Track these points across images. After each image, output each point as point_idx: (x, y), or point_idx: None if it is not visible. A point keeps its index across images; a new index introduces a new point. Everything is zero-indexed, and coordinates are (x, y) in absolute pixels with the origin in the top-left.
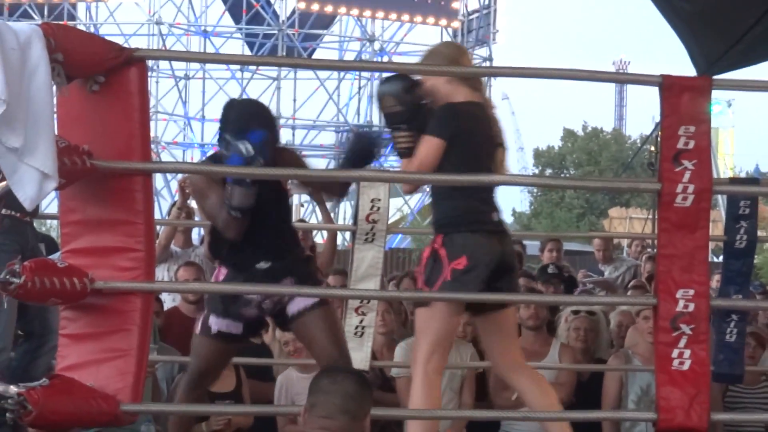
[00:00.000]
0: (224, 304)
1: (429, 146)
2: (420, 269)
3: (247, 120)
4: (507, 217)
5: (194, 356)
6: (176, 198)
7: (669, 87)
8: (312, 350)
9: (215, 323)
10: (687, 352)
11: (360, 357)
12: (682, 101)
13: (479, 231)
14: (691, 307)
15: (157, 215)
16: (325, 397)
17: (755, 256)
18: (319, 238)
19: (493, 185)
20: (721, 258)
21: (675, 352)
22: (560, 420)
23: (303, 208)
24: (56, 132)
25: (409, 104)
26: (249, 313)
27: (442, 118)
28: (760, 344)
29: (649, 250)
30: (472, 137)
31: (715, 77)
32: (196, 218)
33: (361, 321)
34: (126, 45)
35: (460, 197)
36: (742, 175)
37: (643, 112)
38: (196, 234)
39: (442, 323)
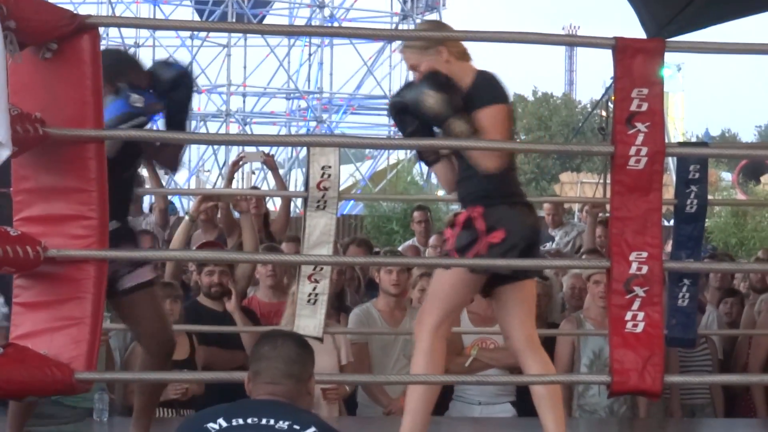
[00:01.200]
0: None
1: (496, 114)
2: (453, 233)
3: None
4: None
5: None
6: None
7: (622, 49)
8: (139, 327)
9: None
10: (641, 315)
11: (313, 324)
12: (635, 63)
13: (517, 204)
14: (645, 269)
15: None
16: (268, 363)
17: (707, 220)
18: (272, 205)
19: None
20: (672, 222)
21: (629, 315)
22: (513, 383)
23: (254, 175)
24: (8, 100)
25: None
26: None
27: (493, 85)
28: (699, 309)
29: (600, 215)
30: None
31: (669, 39)
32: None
33: (314, 288)
34: (75, 12)
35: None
36: (693, 139)
37: (593, 77)
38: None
39: (460, 292)
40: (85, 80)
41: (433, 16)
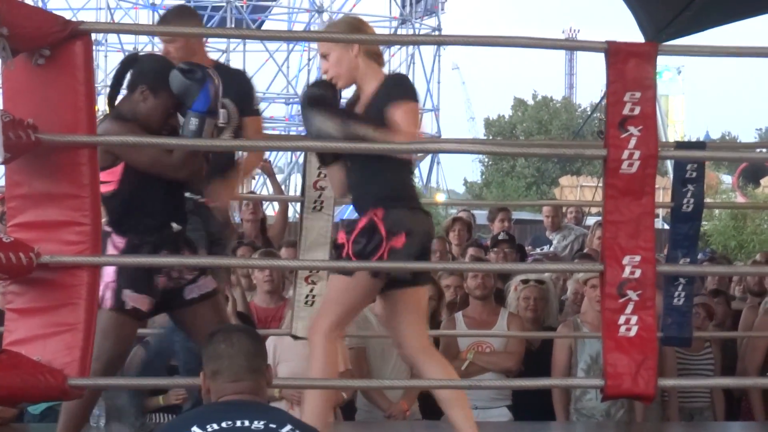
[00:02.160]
0: (138, 276)
1: (409, 111)
2: (351, 237)
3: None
4: (458, 187)
5: (106, 338)
6: None
7: (615, 53)
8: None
9: (131, 298)
10: (634, 318)
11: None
12: (628, 67)
13: (416, 208)
14: (638, 273)
15: None
16: (230, 361)
17: (705, 223)
18: (271, 210)
19: (441, 152)
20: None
21: (622, 319)
22: (499, 388)
23: (254, 180)
24: (1, 106)
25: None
26: (162, 284)
27: (408, 84)
28: (708, 315)
29: (589, 218)
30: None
31: (663, 43)
32: None
33: (311, 290)
34: (73, 19)
35: (398, 171)
36: None
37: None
38: None
39: (360, 297)
40: (78, 86)
41: (431, 21)
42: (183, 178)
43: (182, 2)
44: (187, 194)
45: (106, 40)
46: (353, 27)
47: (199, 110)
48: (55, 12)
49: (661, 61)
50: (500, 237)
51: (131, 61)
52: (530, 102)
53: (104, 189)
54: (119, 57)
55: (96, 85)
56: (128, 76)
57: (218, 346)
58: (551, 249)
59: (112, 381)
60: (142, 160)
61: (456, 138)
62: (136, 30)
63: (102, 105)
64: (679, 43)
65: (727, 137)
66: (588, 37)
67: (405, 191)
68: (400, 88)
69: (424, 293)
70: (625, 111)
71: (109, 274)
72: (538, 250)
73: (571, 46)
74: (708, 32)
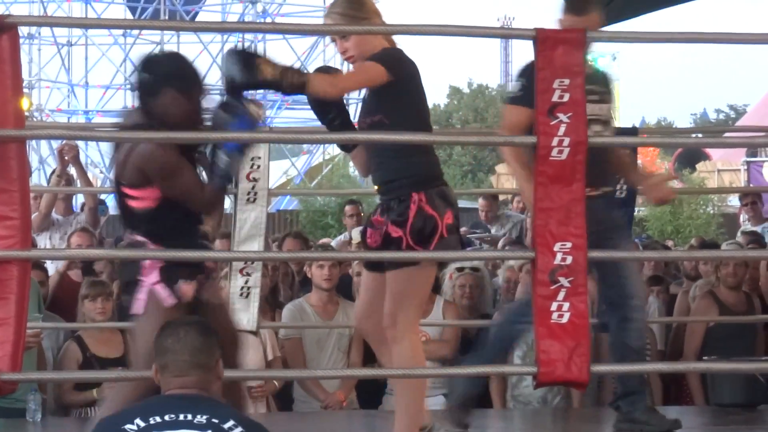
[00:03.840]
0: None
1: (361, 68)
2: (407, 228)
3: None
4: None
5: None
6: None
7: (543, 40)
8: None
9: (188, 288)
10: (566, 305)
11: (247, 318)
12: (557, 54)
13: (445, 183)
14: (569, 259)
15: (43, 182)
16: (174, 357)
17: (642, 209)
18: None
19: (367, 143)
20: None
21: (554, 305)
22: (442, 376)
23: None
24: None
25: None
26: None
27: (388, 54)
28: None
29: None
30: (420, 85)
31: (591, 31)
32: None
33: (246, 281)
34: (7, 12)
35: (427, 151)
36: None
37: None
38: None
39: (427, 284)
40: (5, 80)
41: None
42: (210, 212)
43: None
44: None
45: (39, 34)
46: (355, 3)
47: (230, 148)
48: None
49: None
50: None
51: (151, 63)
52: (466, 90)
53: (137, 205)
54: (53, 50)
55: (29, 79)
56: (147, 78)
57: (166, 340)
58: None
59: (45, 375)
60: (176, 191)
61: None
62: (64, 23)
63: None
64: (609, 30)
65: (663, 122)
66: (523, 25)
67: (438, 169)
68: (377, 54)
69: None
70: (554, 98)
71: (151, 276)
72: (477, 233)
73: (500, 33)
74: (642, 18)
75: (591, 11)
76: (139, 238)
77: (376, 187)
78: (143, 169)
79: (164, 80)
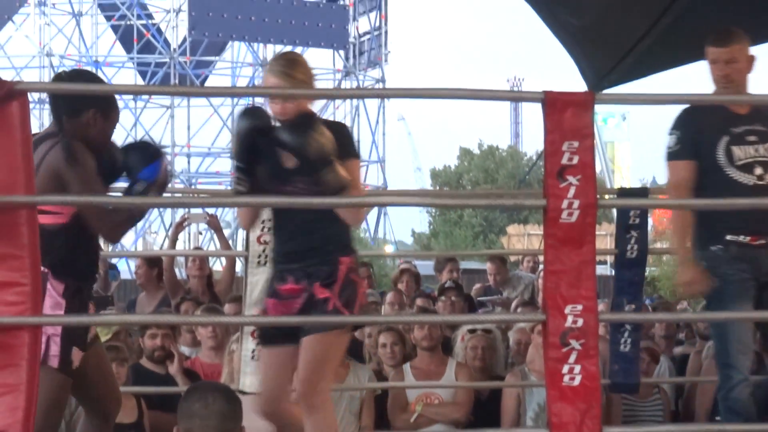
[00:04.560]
0: (79, 331)
1: (358, 167)
2: (335, 290)
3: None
4: (406, 238)
5: (56, 406)
6: None
7: (551, 103)
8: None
9: (76, 356)
10: (577, 368)
11: (258, 380)
12: (565, 117)
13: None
14: (580, 322)
15: None
16: (202, 422)
17: (654, 268)
18: (219, 266)
19: (379, 205)
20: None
21: (565, 368)
22: None
23: (201, 236)
24: None
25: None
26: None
27: (351, 137)
28: (653, 359)
29: (541, 266)
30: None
31: (600, 92)
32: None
33: (257, 344)
34: (18, 78)
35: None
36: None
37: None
38: None
39: (343, 350)
40: (16, 146)
41: (375, 72)
42: (115, 238)
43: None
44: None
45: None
46: (292, 62)
47: (147, 179)
48: None
49: (606, 107)
50: (447, 285)
51: (74, 81)
52: (476, 151)
53: (49, 220)
54: None
55: None
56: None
57: (193, 405)
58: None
59: None
60: (93, 209)
61: (398, 190)
62: (73, 89)
63: None
64: (619, 91)
65: None
66: (532, 86)
67: (350, 233)
68: (350, 142)
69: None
70: (564, 160)
71: (58, 309)
72: (489, 297)
73: (509, 96)
74: (651, 78)
75: (734, 42)
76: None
77: (285, 254)
78: (60, 175)
79: (88, 100)
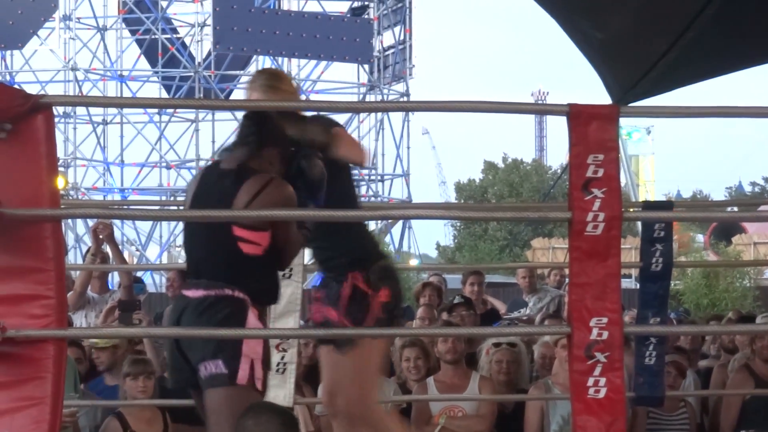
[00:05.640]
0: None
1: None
2: (340, 309)
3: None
4: (431, 251)
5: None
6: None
7: (576, 116)
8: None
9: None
10: (602, 380)
11: (283, 394)
12: (590, 130)
13: (386, 258)
14: (605, 335)
15: (79, 260)
16: None
17: (678, 282)
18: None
19: (403, 218)
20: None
21: (590, 381)
22: None
23: None
24: None
25: None
26: None
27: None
28: (680, 373)
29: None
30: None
31: (625, 105)
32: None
33: (283, 357)
34: (43, 92)
35: (357, 228)
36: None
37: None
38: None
39: (381, 358)
40: (41, 160)
41: (400, 86)
42: (290, 261)
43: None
44: None
45: (74, 112)
46: (276, 76)
47: (319, 204)
48: (22, 85)
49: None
50: (455, 301)
51: (263, 119)
52: (501, 165)
53: (252, 250)
54: (88, 129)
55: (65, 157)
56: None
57: (247, 422)
58: (527, 311)
59: None
60: (292, 231)
61: (422, 203)
62: (99, 102)
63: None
64: (643, 104)
65: (699, 195)
66: (557, 100)
67: (370, 246)
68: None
69: None
70: (589, 173)
71: (255, 348)
72: (514, 314)
73: (534, 109)
74: (676, 91)
75: None
76: (240, 294)
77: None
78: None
79: (274, 139)
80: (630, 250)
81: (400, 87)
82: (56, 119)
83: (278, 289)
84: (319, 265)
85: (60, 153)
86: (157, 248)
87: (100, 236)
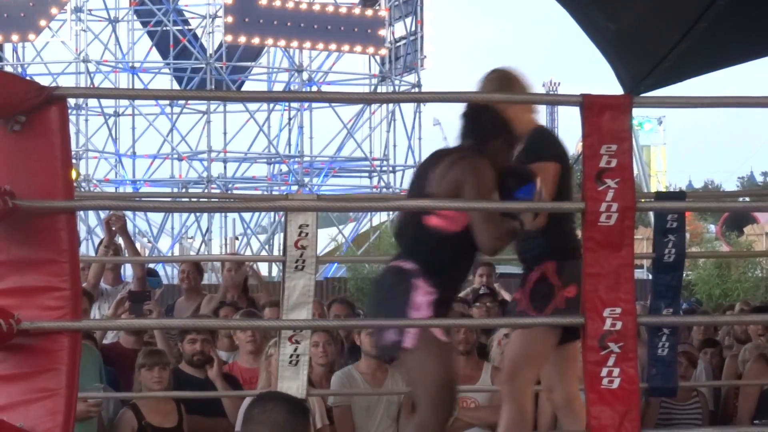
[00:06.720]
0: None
1: (551, 172)
2: (525, 292)
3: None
4: None
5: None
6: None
7: (589, 106)
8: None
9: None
10: (616, 371)
11: (296, 385)
12: (603, 120)
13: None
14: (619, 325)
15: (91, 252)
16: (256, 428)
17: (690, 273)
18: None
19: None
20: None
21: (604, 371)
22: None
23: (237, 241)
24: None
25: None
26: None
27: (549, 142)
28: (691, 363)
29: None
30: (567, 159)
31: (637, 96)
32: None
33: (296, 349)
34: (54, 84)
35: (563, 222)
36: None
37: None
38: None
39: (545, 348)
40: (55, 151)
41: (411, 77)
42: (494, 250)
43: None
44: None
45: (86, 104)
46: (505, 80)
47: (524, 197)
48: (34, 77)
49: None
50: (482, 291)
51: (482, 110)
52: None
53: (443, 224)
54: (100, 121)
55: (77, 150)
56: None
57: (253, 409)
58: None
59: None
60: (477, 218)
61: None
62: (111, 94)
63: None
64: (655, 95)
65: (710, 186)
66: (568, 91)
67: (575, 241)
68: (547, 150)
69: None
70: (602, 164)
71: (423, 311)
72: None
73: (547, 100)
74: (687, 82)
75: None
76: (409, 265)
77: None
78: (461, 185)
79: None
80: (642, 240)
81: (411, 78)
82: (68, 111)
83: (465, 275)
84: (518, 256)
85: (72, 145)
86: (169, 240)
87: (113, 228)
